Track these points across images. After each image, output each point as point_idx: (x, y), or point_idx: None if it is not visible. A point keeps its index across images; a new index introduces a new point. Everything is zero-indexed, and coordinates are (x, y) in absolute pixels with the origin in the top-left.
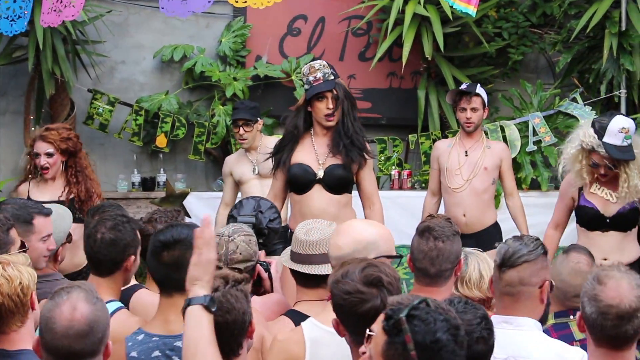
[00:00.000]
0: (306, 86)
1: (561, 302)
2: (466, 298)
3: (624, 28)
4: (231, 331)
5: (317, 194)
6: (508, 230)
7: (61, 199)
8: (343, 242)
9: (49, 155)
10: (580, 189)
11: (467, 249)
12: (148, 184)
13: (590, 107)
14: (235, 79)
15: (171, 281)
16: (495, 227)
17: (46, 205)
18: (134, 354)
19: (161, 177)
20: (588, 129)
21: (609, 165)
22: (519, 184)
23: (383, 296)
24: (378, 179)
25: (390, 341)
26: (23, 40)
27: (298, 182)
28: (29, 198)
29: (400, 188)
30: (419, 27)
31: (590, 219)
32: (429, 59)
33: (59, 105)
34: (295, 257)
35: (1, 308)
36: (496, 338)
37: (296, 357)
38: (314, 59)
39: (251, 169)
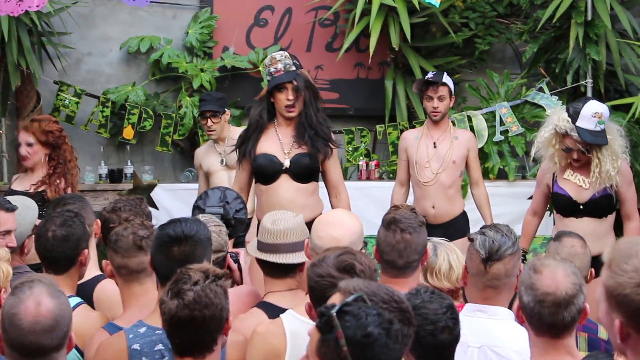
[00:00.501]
0: (268, 77)
1: None
2: (435, 289)
3: (589, 18)
4: (207, 327)
5: (284, 183)
6: (475, 219)
7: (29, 191)
8: (340, 233)
9: (29, 145)
10: (554, 176)
11: (435, 239)
12: (115, 176)
13: (557, 97)
14: (202, 70)
15: None
16: (463, 216)
17: (12, 198)
18: (136, 346)
19: (128, 169)
20: (562, 114)
21: (581, 150)
22: (486, 173)
23: None
24: (346, 169)
25: (323, 338)
26: None
27: (264, 172)
28: (9, 188)
29: (368, 178)
30: (386, 17)
31: (564, 206)
32: (396, 49)
33: (25, 97)
34: (263, 247)
35: None
36: (471, 326)
37: (277, 350)
38: (280, 50)
39: (219, 160)
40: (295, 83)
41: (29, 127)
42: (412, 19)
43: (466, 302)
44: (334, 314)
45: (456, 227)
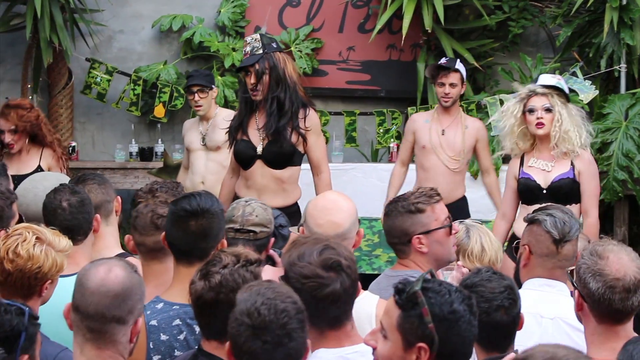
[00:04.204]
0: None
1: None
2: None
3: (624, 2)
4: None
5: (259, 169)
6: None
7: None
8: (340, 218)
9: (13, 132)
10: (520, 165)
11: (468, 221)
12: (146, 154)
13: (590, 82)
14: (234, 49)
15: (196, 250)
16: (463, 200)
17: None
18: (153, 322)
19: (159, 148)
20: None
21: (546, 107)
22: None
23: (342, 280)
24: (377, 151)
25: (406, 315)
26: (21, 8)
27: (240, 157)
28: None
29: None
30: None
31: (528, 190)
32: (429, 31)
33: (57, 74)
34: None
35: (8, 277)
36: (542, 299)
37: None
38: (313, 31)
39: (199, 138)
40: (256, 67)
41: (8, 115)
42: (446, 1)
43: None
44: (420, 291)
45: (455, 211)
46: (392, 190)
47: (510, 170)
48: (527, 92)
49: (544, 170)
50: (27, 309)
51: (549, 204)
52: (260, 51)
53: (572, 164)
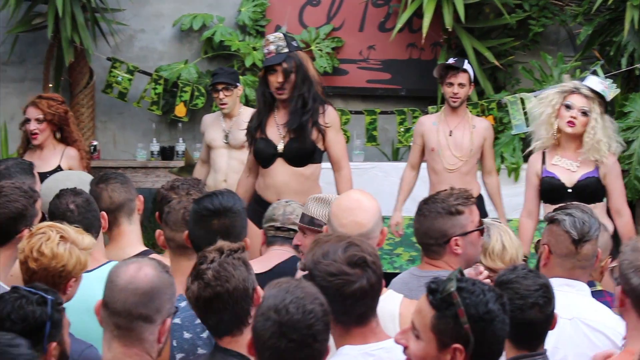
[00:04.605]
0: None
1: None
2: (488, 269)
3: None
4: (234, 300)
5: (280, 167)
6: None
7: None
8: (363, 218)
9: (39, 121)
10: (543, 162)
11: (488, 220)
12: (167, 153)
13: (611, 80)
14: (254, 48)
15: None
16: (479, 199)
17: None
18: (177, 320)
19: (180, 147)
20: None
21: (584, 109)
22: None
23: (368, 276)
24: (397, 150)
25: (441, 315)
26: (42, 8)
27: (261, 156)
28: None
29: None
30: None
31: (552, 189)
32: (449, 30)
33: (78, 73)
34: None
35: (33, 276)
36: (560, 299)
37: None
38: (333, 30)
39: (222, 136)
40: (284, 65)
41: (38, 104)
42: (466, 0)
43: None
44: (455, 292)
45: None
46: (402, 194)
47: (532, 167)
48: (572, 87)
49: (569, 170)
50: (50, 297)
51: (569, 202)
52: (286, 50)
53: (596, 165)
